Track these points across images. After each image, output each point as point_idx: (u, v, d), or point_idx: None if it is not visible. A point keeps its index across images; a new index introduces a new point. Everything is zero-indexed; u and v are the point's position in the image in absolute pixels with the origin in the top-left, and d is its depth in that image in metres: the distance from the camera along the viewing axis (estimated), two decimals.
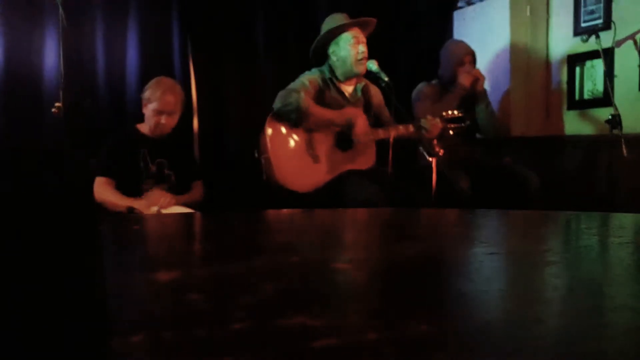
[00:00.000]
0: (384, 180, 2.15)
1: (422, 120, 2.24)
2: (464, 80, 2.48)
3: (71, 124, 1.70)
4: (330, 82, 2.31)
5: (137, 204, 1.97)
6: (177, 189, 2.11)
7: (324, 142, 2.27)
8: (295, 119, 2.18)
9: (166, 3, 2.50)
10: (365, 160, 2.31)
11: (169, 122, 2.09)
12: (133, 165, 2.06)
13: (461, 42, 2.62)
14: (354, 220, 1.16)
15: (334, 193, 2.18)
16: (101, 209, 1.91)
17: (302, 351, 0.33)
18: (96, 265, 0.35)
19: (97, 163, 2.01)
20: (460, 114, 2.29)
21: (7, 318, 0.29)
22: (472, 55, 2.57)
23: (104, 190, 1.94)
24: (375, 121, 2.41)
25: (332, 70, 2.32)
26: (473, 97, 2.56)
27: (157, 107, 2.06)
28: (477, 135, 2.70)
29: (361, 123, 2.26)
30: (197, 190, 2.19)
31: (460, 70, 2.52)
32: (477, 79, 2.51)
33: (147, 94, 2.09)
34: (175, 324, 0.39)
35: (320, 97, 2.27)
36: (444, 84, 2.59)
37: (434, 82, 2.65)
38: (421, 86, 2.62)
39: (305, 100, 2.17)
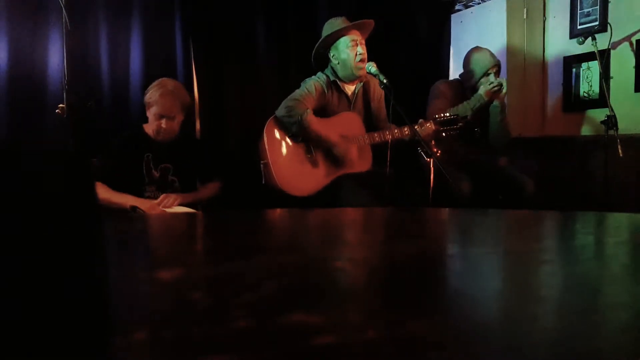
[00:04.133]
0: (382, 182, 2.17)
1: (416, 126, 2.26)
2: (484, 92, 2.44)
3: (75, 124, 1.70)
4: (334, 85, 2.36)
5: (140, 202, 1.94)
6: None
7: (322, 146, 2.28)
8: (295, 131, 2.21)
9: (169, 5, 2.50)
10: (362, 163, 2.33)
11: (170, 125, 2.02)
12: (135, 171, 2.01)
13: (487, 52, 2.56)
14: (353, 219, 1.16)
15: (332, 197, 2.19)
16: (102, 208, 1.89)
17: (302, 349, 0.33)
18: (99, 264, 0.35)
19: (97, 167, 1.96)
20: (453, 116, 2.29)
21: (9, 317, 0.29)
22: (498, 67, 2.53)
23: (100, 193, 1.89)
24: (373, 119, 2.43)
25: (335, 72, 2.37)
26: (487, 107, 2.51)
27: (156, 111, 2.00)
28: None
29: (351, 155, 2.26)
30: (208, 190, 2.15)
31: (482, 80, 2.49)
32: (500, 89, 2.44)
33: (147, 96, 2.04)
34: (176, 322, 0.39)
35: (324, 100, 2.31)
36: (465, 86, 2.58)
37: (454, 79, 2.63)
38: (439, 84, 2.61)
39: (309, 117, 2.19)
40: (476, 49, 2.62)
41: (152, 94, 2.02)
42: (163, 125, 2.01)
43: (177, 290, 0.48)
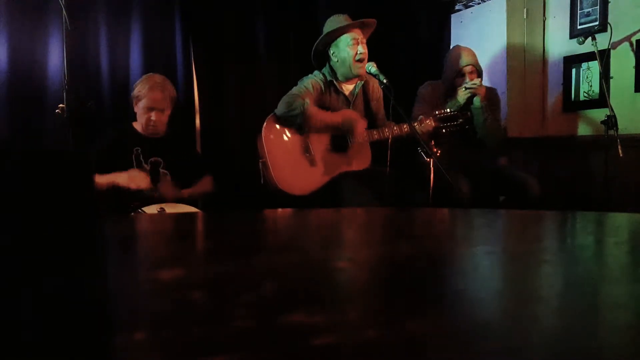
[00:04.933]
0: (381, 181, 2.17)
1: (416, 123, 2.26)
2: (459, 96, 2.39)
3: (75, 124, 1.71)
4: (331, 84, 2.35)
5: (120, 178, 1.94)
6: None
7: (320, 145, 2.29)
8: (300, 123, 2.21)
9: (169, 5, 2.50)
10: (360, 161, 2.33)
11: (159, 118, 2.06)
12: (125, 164, 2.03)
13: (464, 51, 2.48)
14: (353, 219, 1.17)
15: (331, 196, 2.20)
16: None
17: (302, 349, 0.33)
18: (98, 264, 0.35)
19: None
20: (453, 113, 2.28)
21: (9, 317, 0.29)
22: (473, 66, 2.45)
23: None
24: (373, 118, 2.43)
25: (333, 72, 2.35)
26: (468, 109, 2.45)
27: (146, 104, 2.04)
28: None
29: (360, 127, 2.28)
30: (203, 184, 2.18)
31: (457, 82, 2.44)
32: (474, 90, 2.37)
33: (135, 91, 2.07)
34: (176, 322, 0.39)
35: (322, 99, 2.30)
36: (446, 87, 2.55)
37: (439, 81, 2.61)
38: (423, 87, 2.58)
39: (310, 107, 2.20)
40: (454, 48, 2.57)
41: (140, 88, 2.06)
42: (153, 118, 2.05)
43: (177, 290, 0.48)
